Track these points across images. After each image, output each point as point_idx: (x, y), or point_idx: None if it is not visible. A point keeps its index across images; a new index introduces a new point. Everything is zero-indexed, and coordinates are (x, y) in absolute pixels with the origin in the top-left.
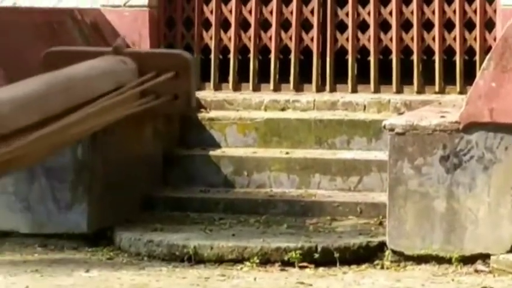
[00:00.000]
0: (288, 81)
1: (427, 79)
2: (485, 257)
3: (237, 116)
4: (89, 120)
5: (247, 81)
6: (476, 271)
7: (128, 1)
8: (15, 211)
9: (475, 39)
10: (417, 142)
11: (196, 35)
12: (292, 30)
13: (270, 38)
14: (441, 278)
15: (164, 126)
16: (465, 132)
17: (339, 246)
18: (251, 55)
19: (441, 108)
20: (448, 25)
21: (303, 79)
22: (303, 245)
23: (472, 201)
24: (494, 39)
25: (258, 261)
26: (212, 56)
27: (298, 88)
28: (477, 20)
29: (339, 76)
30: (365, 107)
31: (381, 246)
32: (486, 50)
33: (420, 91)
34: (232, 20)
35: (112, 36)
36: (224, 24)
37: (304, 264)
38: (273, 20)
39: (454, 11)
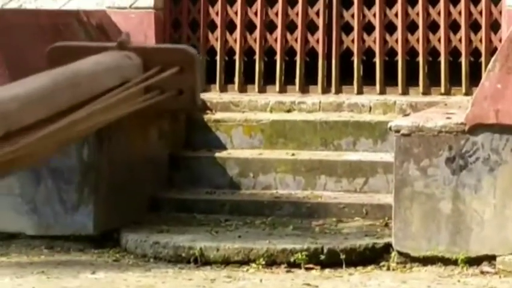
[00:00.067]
0: (293, 83)
1: (433, 80)
2: (491, 258)
3: (243, 117)
4: (95, 117)
5: (253, 82)
6: (482, 272)
7: (134, 3)
8: (21, 213)
9: (481, 40)
10: (423, 143)
11: (201, 37)
12: (298, 32)
13: (276, 40)
14: (447, 280)
15: (170, 127)
16: (471, 134)
17: (345, 247)
18: (257, 57)
19: (447, 110)
20: (454, 26)
21: (309, 81)
22: (309, 247)
23: (478, 202)
24: (500, 41)
25: (264, 262)
26: (218, 58)
27: (303, 90)
28: (482, 21)
29: (345, 78)
30: (370, 108)
31: (387, 247)
32: (492, 51)
33: (426, 92)
34: (237, 21)
35: (117, 37)
36: (230, 26)
37: (311, 265)
38: (279, 22)
39: (460, 12)
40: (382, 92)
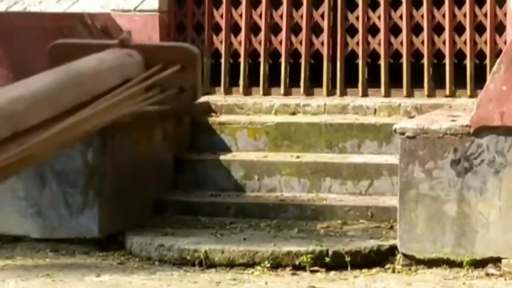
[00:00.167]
0: (298, 86)
1: (438, 83)
2: (496, 261)
3: (248, 120)
4: (100, 116)
5: (258, 85)
6: (487, 275)
7: (139, 6)
8: (26, 216)
9: (486, 42)
10: (428, 146)
11: (206, 40)
12: (303, 34)
13: (280, 42)
14: (452, 282)
15: (174, 130)
16: (476, 136)
17: (350, 250)
18: (261, 59)
19: (452, 112)
20: (458, 28)
21: (314, 83)
22: (314, 249)
23: (483, 204)
24: (505, 43)
25: (269, 265)
26: (222, 60)
27: (308, 92)
28: (487, 24)
29: (350, 80)
30: (375, 110)
31: (392, 250)
32: (496, 53)
33: (430, 95)
34: (242, 24)
35: None
36: (234, 29)
37: (316, 268)
38: (283, 24)
39: (464, 15)
40: (387, 94)
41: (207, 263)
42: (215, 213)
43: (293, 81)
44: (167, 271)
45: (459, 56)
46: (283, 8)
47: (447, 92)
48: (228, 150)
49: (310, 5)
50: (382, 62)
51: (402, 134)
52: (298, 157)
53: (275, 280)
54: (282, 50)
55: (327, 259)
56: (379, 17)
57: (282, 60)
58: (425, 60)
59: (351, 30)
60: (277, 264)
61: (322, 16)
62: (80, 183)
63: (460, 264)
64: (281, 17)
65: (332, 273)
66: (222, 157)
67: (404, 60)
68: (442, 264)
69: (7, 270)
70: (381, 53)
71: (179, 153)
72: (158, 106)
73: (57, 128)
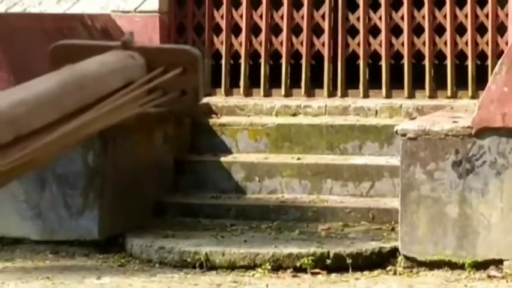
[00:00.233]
0: (299, 87)
1: (439, 84)
2: (498, 263)
3: (248, 121)
4: (102, 119)
5: (258, 86)
6: (489, 277)
7: (139, 7)
8: (26, 218)
9: (487, 43)
10: (429, 147)
11: (206, 41)
12: (303, 35)
13: (281, 43)
14: (454, 284)
15: (174, 131)
16: (477, 137)
17: (352, 252)
18: (262, 60)
19: (453, 113)
20: (460, 29)
21: (315, 84)
22: (315, 251)
23: (485, 206)
24: (506, 44)
25: (270, 267)
26: (223, 62)
27: (309, 93)
28: (489, 24)
29: (351, 81)
30: (376, 112)
31: (394, 252)
32: (498, 54)
33: (432, 96)
34: (243, 25)
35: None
36: (235, 30)
37: (317, 270)
38: (284, 25)
39: (466, 15)
40: (388, 95)
41: (207, 265)
42: (216, 215)
43: (294, 83)
44: (168, 273)
45: (460, 57)
46: (284, 9)
47: (448, 93)
48: (228, 151)
49: (311, 6)
50: (383, 63)
51: (404, 135)
52: (299, 159)
53: (276, 282)
54: (283, 51)
55: (328, 261)
56: (380, 18)
57: (283, 61)
58: (426, 61)
59: (352, 31)
60: (278, 266)
61: (323, 17)
62: (81, 185)
63: (461, 266)
64: (282, 17)
65: (333, 275)
66: (222, 159)
67: (405, 61)
68: (444, 266)
69: (7, 273)
70: (382, 54)
71: (180, 155)
72: (156, 108)
73: (60, 131)
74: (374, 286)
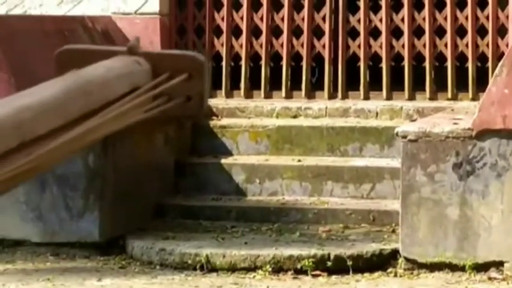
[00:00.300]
0: (299, 89)
1: (439, 86)
2: (498, 265)
3: (249, 123)
4: (107, 125)
5: (259, 88)
6: (490, 278)
7: (140, 9)
8: (26, 220)
9: (487, 45)
10: (430, 149)
11: (207, 43)
12: (304, 37)
13: (282, 45)
14: (454, 286)
15: (175, 133)
16: (478, 139)
17: (352, 254)
18: (263, 62)
19: (454, 115)
20: (460, 31)
21: (315, 86)
22: (316, 253)
23: (485, 208)
24: (507, 45)
25: (270, 269)
26: (223, 64)
27: (310, 95)
28: (489, 26)
29: (351, 83)
30: (377, 114)
31: (394, 253)
32: (498, 56)
33: (432, 98)
34: (243, 27)
35: (123, 43)
36: (235, 32)
37: (317, 272)
38: (285, 27)
39: (466, 17)
40: (389, 97)
41: (208, 267)
42: (216, 217)
43: (294, 84)
44: (169, 275)
45: (461, 58)
46: (285, 11)
47: (449, 95)
48: (229, 153)
49: (311, 8)
50: (384, 65)
51: (404, 137)
52: (299, 160)
53: (277, 284)
54: (284, 53)
55: (329, 263)
56: (381, 20)
57: (283, 63)
58: (426, 63)
59: (353, 33)
60: (278, 268)
61: (323, 19)
62: (81, 186)
63: (462, 268)
64: (282, 19)
65: (334, 277)
66: (223, 161)
67: (405, 63)
68: (444, 268)
69: (8, 275)
70: (382, 55)
71: (181, 157)
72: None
73: (65, 137)
74: None
